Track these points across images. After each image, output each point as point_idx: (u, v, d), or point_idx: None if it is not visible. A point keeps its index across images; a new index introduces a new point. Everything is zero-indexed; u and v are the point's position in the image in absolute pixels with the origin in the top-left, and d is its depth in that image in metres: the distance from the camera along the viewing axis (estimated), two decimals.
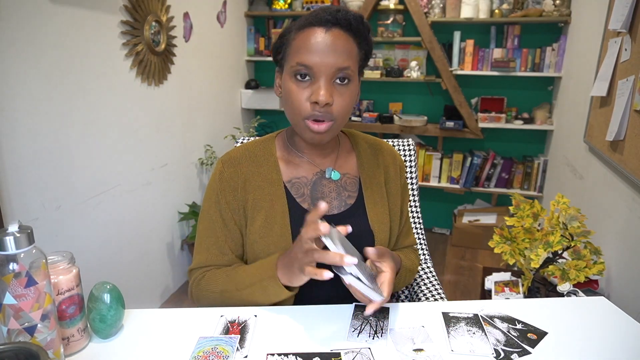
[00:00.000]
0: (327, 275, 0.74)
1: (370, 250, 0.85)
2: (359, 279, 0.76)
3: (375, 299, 0.78)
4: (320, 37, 0.84)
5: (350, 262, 0.72)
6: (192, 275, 0.99)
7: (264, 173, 0.97)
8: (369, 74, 3.07)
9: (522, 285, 1.71)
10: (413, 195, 1.32)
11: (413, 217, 1.33)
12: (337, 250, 0.74)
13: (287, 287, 0.85)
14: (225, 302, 0.92)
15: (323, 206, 0.76)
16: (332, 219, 0.92)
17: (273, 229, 0.93)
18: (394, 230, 1.03)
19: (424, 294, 1.21)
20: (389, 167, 1.04)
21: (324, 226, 0.74)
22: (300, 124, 0.89)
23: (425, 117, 3.10)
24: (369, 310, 0.79)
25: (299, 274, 0.80)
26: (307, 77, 0.86)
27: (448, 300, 1.09)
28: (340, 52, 0.84)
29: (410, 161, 1.30)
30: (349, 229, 0.81)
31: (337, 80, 0.86)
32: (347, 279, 0.77)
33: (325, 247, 0.76)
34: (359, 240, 0.96)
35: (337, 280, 0.81)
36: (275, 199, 0.95)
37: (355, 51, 0.88)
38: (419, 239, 1.34)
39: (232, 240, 0.97)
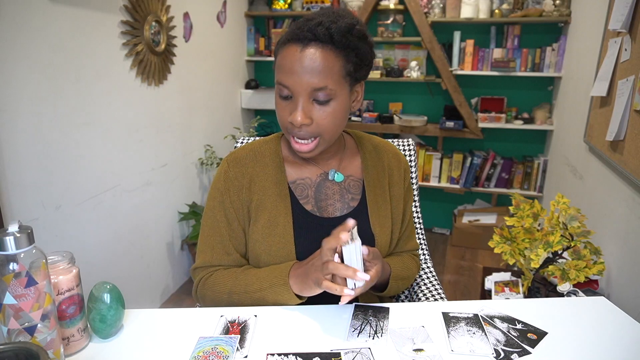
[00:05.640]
0: (347, 292, 0.75)
1: (365, 250, 0.82)
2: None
3: (359, 277, 0.76)
4: (296, 56, 0.82)
5: (362, 278, 0.74)
6: (196, 274, 0.99)
7: (269, 173, 0.97)
8: (369, 74, 3.06)
9: (522, 285, 1.71)
10: (413, 195, 1.32)
11: (413, 218, 1.33)
12: (354, 265, 0.76)
13: (297, 296, 0.87)
14: (231, 303, 0.93)
15: (351, 223, 0.78)
16: (335, 222, 0.92)
17: (276, 230, 0.93)
18: (395, 234, 1.03)
19: (424, 294, 1.21)
20: (393, 170, 1.04)
21: (344, 235, 0.76)
22: (288, 138, 0.91)
23: (425, 117, 3.10)
24: (344, 300, 0.78)
25: (313, 286, 0.81)
26: (288, 95, 0.86)
27: (448, 300, 1.08)
28: (317, 72, 0.82)
29: (411, 161, 1.30)
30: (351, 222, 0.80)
31: (316, 100, 0.85)
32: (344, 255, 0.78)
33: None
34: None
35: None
36: (279, 200, 0.95)
37: (338, 66, 0.84)
38: (419, 239, 1.34)
39: (235, 240, 0.97)
